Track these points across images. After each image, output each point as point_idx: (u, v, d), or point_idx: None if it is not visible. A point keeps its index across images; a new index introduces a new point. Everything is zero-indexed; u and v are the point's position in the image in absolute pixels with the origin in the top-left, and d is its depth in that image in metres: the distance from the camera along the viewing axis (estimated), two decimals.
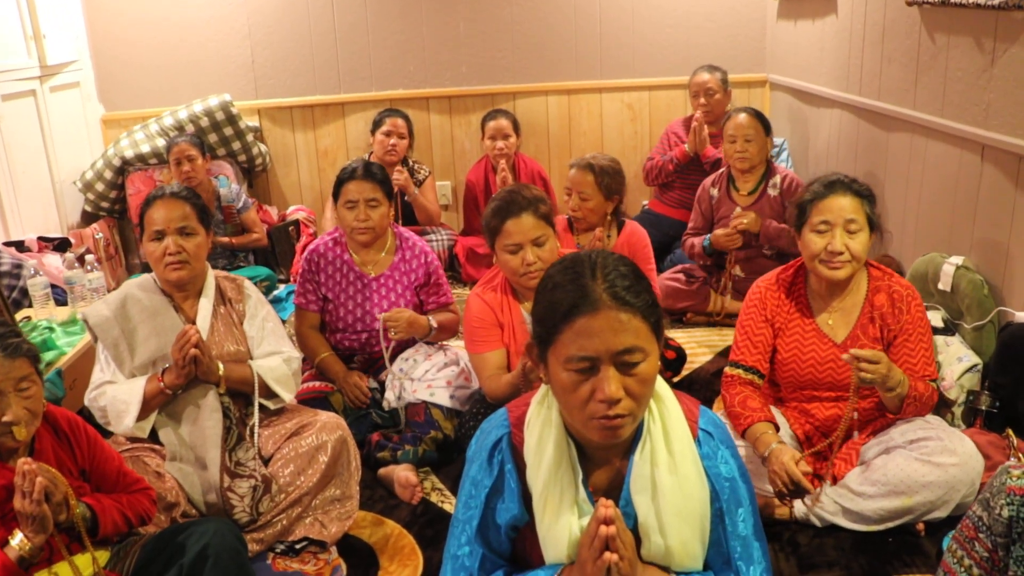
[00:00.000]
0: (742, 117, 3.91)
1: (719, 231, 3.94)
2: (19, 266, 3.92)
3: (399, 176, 4.65)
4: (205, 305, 2.63)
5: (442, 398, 2.96)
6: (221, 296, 2.69)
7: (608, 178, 3.38)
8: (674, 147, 4.76)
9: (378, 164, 3.17)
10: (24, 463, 1.80)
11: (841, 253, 2.45)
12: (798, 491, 2.29)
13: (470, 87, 5.37)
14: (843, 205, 2.48)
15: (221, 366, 2.53)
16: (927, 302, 3.15)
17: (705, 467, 1.57)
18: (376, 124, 4.82)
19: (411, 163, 4.92)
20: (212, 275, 2.70)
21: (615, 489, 1.59)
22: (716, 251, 3.98)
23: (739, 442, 2.48)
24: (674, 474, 1.53)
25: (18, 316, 3.66)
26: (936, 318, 3.05)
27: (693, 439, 1.58)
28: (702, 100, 4.69)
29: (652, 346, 1.46)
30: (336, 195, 3.10)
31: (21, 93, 4.49)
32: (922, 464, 2.33)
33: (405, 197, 4.79)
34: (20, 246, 4.16)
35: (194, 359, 2.43)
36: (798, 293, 2.64)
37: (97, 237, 4.59)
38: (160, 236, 2.56)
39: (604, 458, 1.60)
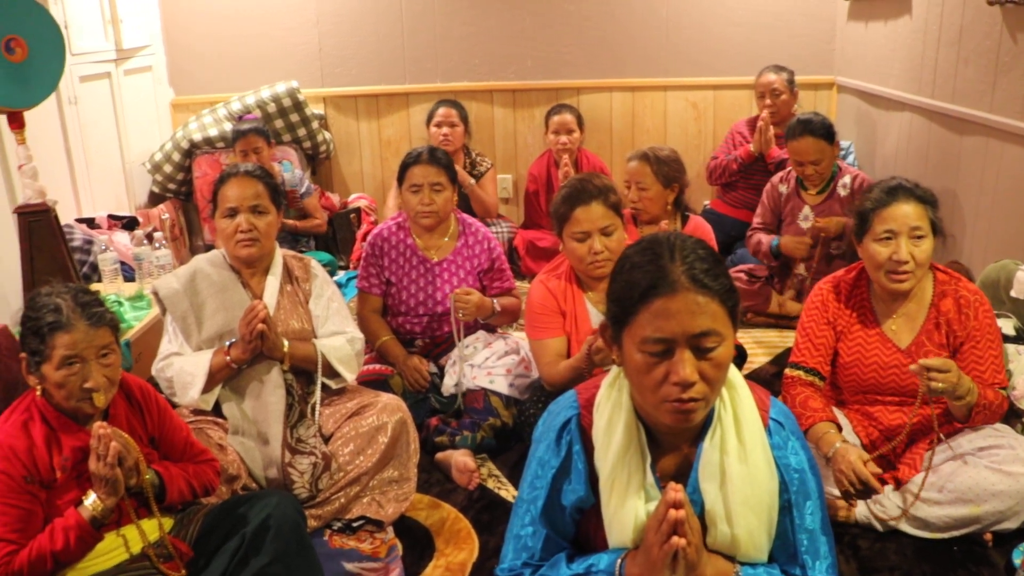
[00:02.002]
0: (805, 141, 3.77)
1: (789, 237, 3.87)
2: (90, 242, 4.02)
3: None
4: (272, 283, 2.67)
5: (501, 386, 2.96)
6: (288, 275, 2.73)
7: (665, 166, 3.36)
8: (738, 147, 4.71)
9: (443, 150, 3.19)
10: (100, 427, 1.84)
11: (906, 262, 2.38)
12: (865, 492, 2.24)
13: (534, 81, 5.37)
14: (907, 212, 2.40)
15: (286, 343, 2.56)
16: (999, 310, 3.08)
17: (775, 457, 1.55)
18: (429, 117, 4.88)
19: (473, 155, 4.94)
20: (280, 254, 2.73)
21: (683, 476, 1.58)
22: (782, 254, 3.92)
23: None
24: (743, 463, 1.52)
25: None
26: (1008, 326, 2.98)
27: (764, 428, 1.56)
28: (768, 101, 4.64)
29: (728, 331, 1.44)
30: (401, 179, 3.14)
31: (97, 75, 4.60)
32: (992, 472, 2.27)
33: (463, 189, 4.82)
34: (91, 223, 4.27)
35: (260, 334, 2.47)
36: (861, 297, 2.58)
37: (163, 218, 4.69)
38: (233, 213, 2.60)
39: (673, 444, 1.58)
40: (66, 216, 4.19)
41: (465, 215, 3.30)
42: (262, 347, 2.51)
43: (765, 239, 4.00)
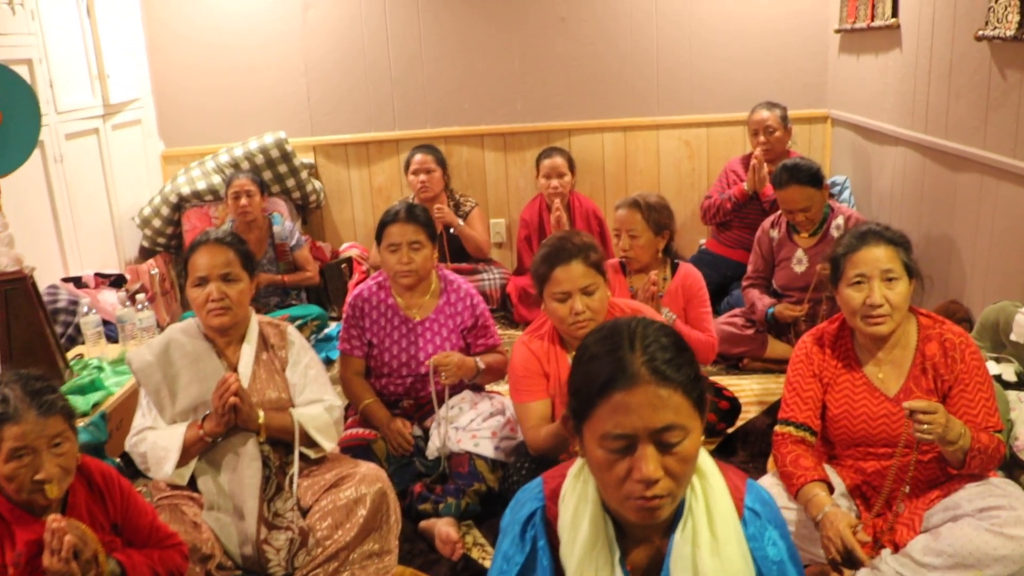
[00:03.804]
0: (792, 190, 3.72)
1: (784, 306, 3.80)
2: (75, 303, 3.98)
3: (440, 212, 4.64)
4: (247, 351, 2.61)
5: (486, 449, 2.88)
6: (264, 342, 2.67)
7: (656, 213, 3.30)
8: (732, 185, 4.65)
9: (421, 207, 3.13)
10: (53, 520, 1.78)
11: (881, 305, 2.33)
12: (852, 561, 2.15)
13: (525, 124, 5.34)
14: (878, 256, 2.36)
15: (261, 414, 2.50)
16: (998, 353, 2.99)
17: (751, 549, 1.47)
18: (406, 165, 4.85)
19: (457, 196, 4.90)
20: (255, 320, 2.68)
21: (655, 569, 1.49)
22: (778, 322, 3.84)
23: (792, 504, 2.36)
24: (717, 556, 1.43)
25: (71, 353, 3.70)
26: (1009, 371, 2.89)
27: (739, 518, 1.48)
28: (761, 138, 4.58)
29: (694, 423, 1.37)
30: (379, 238, 3.08)
31: (85, 132, 4.58)
32: (993, 536, 2.17)
33: (452, 231, 4.76)
34: (78, 282, 4.23)
35: (234, 407, 2.41)
36: (845, 347, 2.51)
37: (153, 273, 4.64)
38: (203, 282, 2.55)
39: (644, 536, 1.50)
40: (52, 276, 4.16)
41: (447, 272, 3.23)
42: (236, 420, 2.44)
43: (760, 304, 3.91)
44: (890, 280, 2.35)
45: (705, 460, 1.49)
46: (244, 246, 2.64)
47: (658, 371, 1.34)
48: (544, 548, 1.51)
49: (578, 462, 1.53)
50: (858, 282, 2.37)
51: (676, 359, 1.36)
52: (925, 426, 2.14)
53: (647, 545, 1.50)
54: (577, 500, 1.49)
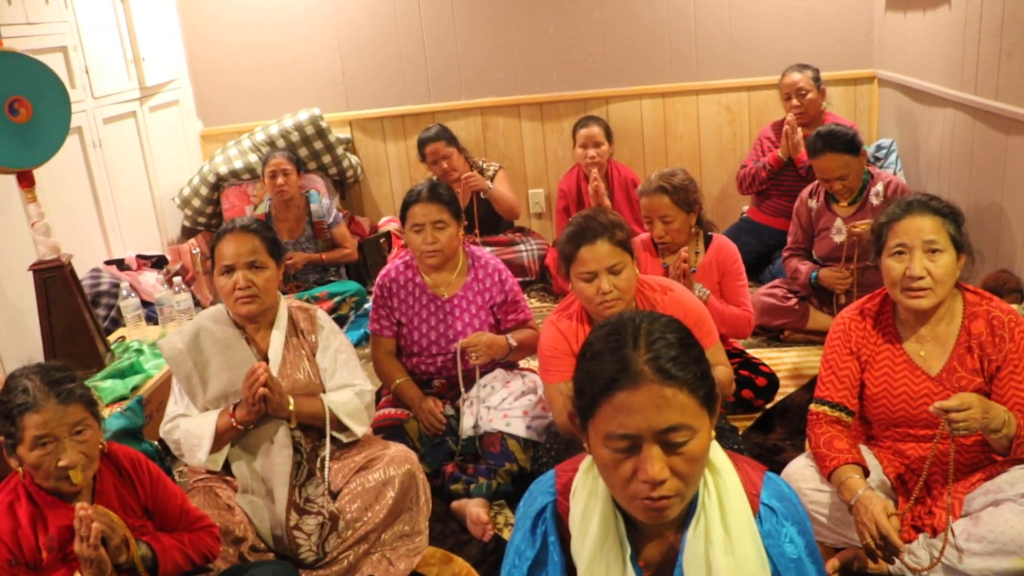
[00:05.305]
0: (827, 158, 3.61)
1: (828, 271, 3.71)
2: (117, 285, 4.04)
3: (468, 179, 4.61)
4: (277, 337, 2.61)
5: (518, 428, 2.87)
6: (294, 327, 2.67)
7: (683, 192, 3.18)
8: (767, 153, 4.53)
9: (444, 184, 3.09)
10: (81, 508, 1.83)
11: (922, 278, 2.22)
12: (888, 548, 2.09)
13: (561, 92, 5.25)
14: (921, 226, 2.25)
15: (292, 401, 2.51)
16: None
17: (766, 546, 1.43)
18: (422, 157, 4.77)
19: (480, 164, 4.85)
20: (285, 306, 2.68)
21: (668, 564, 1.47)
22: (822, 288, 3.75)
23: (825, 487, 2.31)
24: (730, 555, 1.40)
25: (114, 336, 3.77)
26: None
27: (754, 515, 1.44)
28: (794, 102, 4.43)
29: (701, 422, 1.33)
30: (403, 218, 3.05)
31: (122, 115, 4.62)
32: None
33: (482, 195, 4.73)
34: (121, 264, 4.29)
35: (263, 397, 2.42)
36: (886, 323, 2.42)
37: (194, 252, 4.69)
38: (230, 270, 2.55)
39: (656, 531, 1.47)
40: (96, 259, 4.23)
41: (474, 248, 3.19)
42: (267, 408, 2.46)
43: (803, 269, 3.81)
44: (933, 252, 2.24)
45: (718, 455, 1.45)
46: (270, 232, 2.64)
47: (662, 369, 1.30)
48: (555, 544, 1.50)
49: (589, 457, 1.50)
50: (899, 252, 2.27)
51: (682, 356, 1.32)
52: (961, 424, 2.06)
53: (660, 541, 1.48)
54: (588, 496, 1.46)
